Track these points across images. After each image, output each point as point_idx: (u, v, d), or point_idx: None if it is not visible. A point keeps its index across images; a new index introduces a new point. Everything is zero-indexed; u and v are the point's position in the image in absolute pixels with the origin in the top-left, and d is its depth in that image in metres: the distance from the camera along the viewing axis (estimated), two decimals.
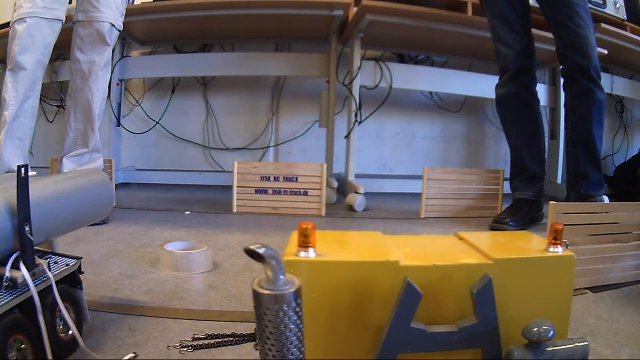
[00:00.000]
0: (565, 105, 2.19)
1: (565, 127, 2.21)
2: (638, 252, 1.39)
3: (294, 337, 0.56)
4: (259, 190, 2.43)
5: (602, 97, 2.07)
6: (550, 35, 2.15)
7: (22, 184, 0.74)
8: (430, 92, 3.67)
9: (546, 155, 2.34)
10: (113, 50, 3.20)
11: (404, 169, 3.80)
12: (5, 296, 0.70)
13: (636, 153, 3.65)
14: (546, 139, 2.43)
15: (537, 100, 2.26)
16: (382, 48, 3.44)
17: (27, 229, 0.74)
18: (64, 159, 2.05)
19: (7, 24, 3.14)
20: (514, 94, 2.20)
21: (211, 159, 3.70)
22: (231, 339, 0.93)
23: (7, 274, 0.72)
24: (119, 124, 3.31)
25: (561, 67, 2.14)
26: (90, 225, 1.66)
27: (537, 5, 2.15)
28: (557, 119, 3.36)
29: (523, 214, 2.16)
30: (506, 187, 2.41)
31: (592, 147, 2.10)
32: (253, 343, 0.90)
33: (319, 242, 0.69)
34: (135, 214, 2.29)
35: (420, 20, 2.69)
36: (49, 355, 0.73)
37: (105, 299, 1.14)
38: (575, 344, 0.69)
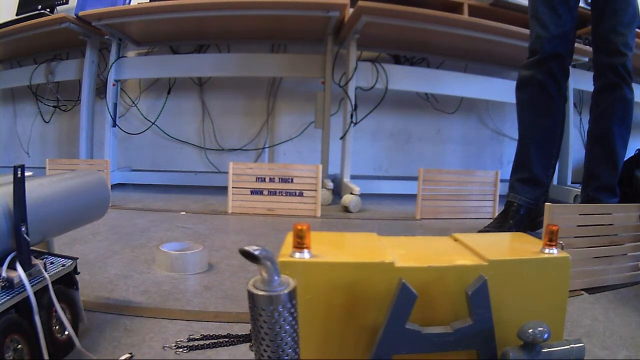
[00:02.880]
0: (592, 99, 2.03)
1: (588, 123, 2.05)
2: (634, 254, 1.40)
3: (289, 338, 0.56)
4: (255, 191, 2.44)
5: (629, 95, 1.92)
6: None
7: (19, 184, 0.74)
8: (426, 94, 3.68)
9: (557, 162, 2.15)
10: (109, 51, 3.23)
11: (399, 170, 3.81)
12: (1, 296, 0.70)
13: (633, 154, 3.65)
14: None
15: (564, 97, 2.04)
16: (378, 49, 3.44)
17: (23, 229, 0.74)
18: None
19: (6, 24, 3.17)
20: (539, 81, 1.97)
21: (207, 159, 3.70)
22: (227, 339, 0.93)
23: (4, 274, 0.72)
24: (115, 124, 3.31)
25: (592, 54, 1.99)
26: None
27: None
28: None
29: (511, 225, 1.96)
30: (502, 189, 2.41)
31: (610, 146, 1.95)
32: (248, 344, 0.91)
33: (314, 244, 0.69)
34: (131, 214, 2.29)
35: (416, 21, 2.69)
36: (45, 356, 0.73)
37: (101, 300, 1.14)
38: (571, 345, 0.69)
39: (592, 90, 2.01)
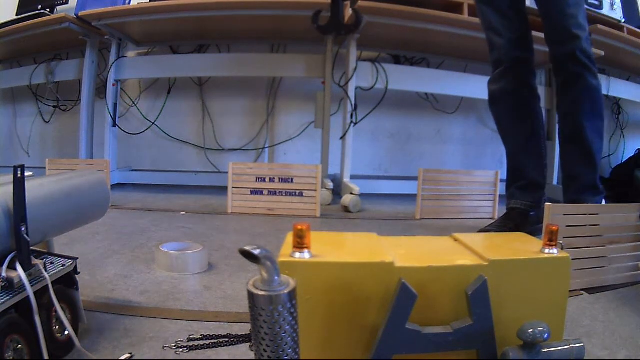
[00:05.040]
0: (556, 96, 1.97)
1: (557, 123, 1.98)
2: (634, 254, 1.40)
3: (289, 338, 0.56)
4: (255, 191, 2.43)
5: (594, 82, 1.81)
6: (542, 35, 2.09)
7: (19, 184, 0.73)
8: (426, 94, 3.68)
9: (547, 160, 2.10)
10: (109, 51, 3.23)
11: (399, 170, 3.81)
12: (1, 296, 0.70)
13: (633, 154, 3.66)
14: None
15: (537, 97, 2.00)
16: (378, 49, 3.45)
17: (23, 229, 0.74)
18: None
19: (6, 24, 3.17)
20: (510, 91, 1.96)
21: (207, 159, 3.70)
22: (227, 339, 0.93)
23: (4, 274, 0.72)
24: (115, 124, 3.30)
25: (549, 51, 1.90)
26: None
27: None
28: (553, 121, 3.35)
29: (513, 227, 1.92)
30: (502, 189, 2.41)
31: (584, 142, 1.84)
32: (248, 344, 0.91)
33: (314, 244, 0.69)
34: (131, 214, 2.29)
35: (416, 21, 2.70)
36: (45, 356, 0.73)
37: (101, 300, 1.14)
38: (571, 345, 0.69)
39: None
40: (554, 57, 1.87)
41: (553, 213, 1.26)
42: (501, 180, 2.48)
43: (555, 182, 3.33)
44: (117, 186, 3.23)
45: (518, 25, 1.93)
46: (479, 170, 2.58)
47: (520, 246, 0.81)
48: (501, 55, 1.95)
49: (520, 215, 1.98)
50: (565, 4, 1.78)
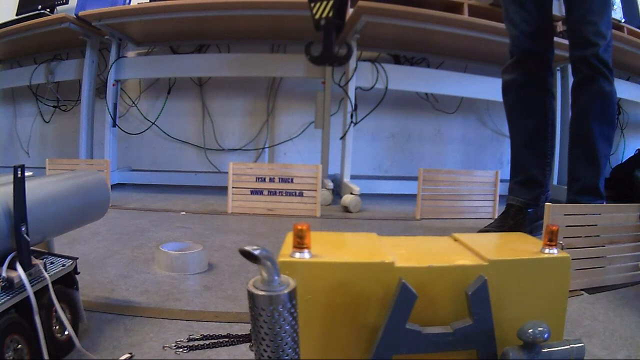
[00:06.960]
0: (571, 97, 1.93)
1: (570, 122, 1.94)
2: (634, 254, 1.40)
3: (289, 338, 0.56)
4: (255, 191, 2.43)
5: (607, 88, 1.78)
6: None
7: (19, 184, 0.73)
8: (426, 94, 3.68)
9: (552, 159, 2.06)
10: (109, 51, 3.23)
11: (399, 170, 3.81)
12: (1, 296, 0.70)
13: (633, 154, 3.66)
14: None
15: (548, 94, 1.98)
16: (378, 49, 3.44)
17: (23, 229, 0.74)
18: None
19: (6, 24, 3.17)
20: (520, 83, 1.95)
21: (207, 160, 3.70)
22: (227, 339, 0.93)
23: (4, 274, 0.72)
24: (115, 124, 3.30)
25: (569, 54, 1.88)
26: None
27: None
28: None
29: (511, 226, 1.92)
30: (502, 189, 2.41)
31: (590, 145, 1.82)
32: (248, 344, 0.90)
33: (314, 244, 0.69)
34: (131, 214, 2.29)
35: (416, 21, 2.69)
36: (45, 356, 0.73)
37: (101, 300, 1.14)
38: (571, 345, 0.69)
39: None
40: (571, 58, 1.86)
41: (553, 213, 1.26)
42: (501, 180, 2.48)
43: (555, 181, 3.33)
44: (117, 186, 3.23)
45: (537, 18, 1.89)
46: (479, 170, 2.58)
47: (520, 246, 0.81)
48: (513, 46, 1.95)
49: (518, 212, 1.97)
50: (587, 11, 1.76)
